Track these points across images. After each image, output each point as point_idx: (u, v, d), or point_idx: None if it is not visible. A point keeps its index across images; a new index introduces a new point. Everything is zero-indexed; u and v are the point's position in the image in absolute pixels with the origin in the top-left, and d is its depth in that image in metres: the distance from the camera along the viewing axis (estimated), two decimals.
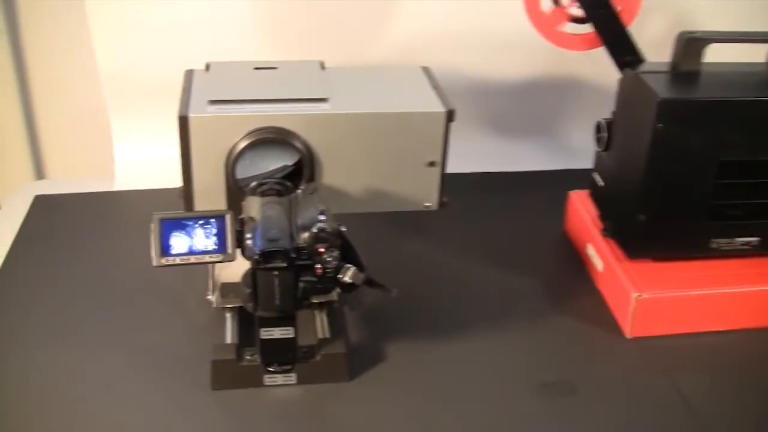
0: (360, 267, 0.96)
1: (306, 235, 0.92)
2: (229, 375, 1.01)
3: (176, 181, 1.08)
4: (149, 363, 1.07)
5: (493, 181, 1.55)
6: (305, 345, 1.03)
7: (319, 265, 0.93)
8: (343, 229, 0.96)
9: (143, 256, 0.97)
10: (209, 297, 1.13)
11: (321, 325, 1.10)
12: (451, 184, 1.10)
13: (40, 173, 1.68)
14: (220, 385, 1.02)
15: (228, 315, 1.11)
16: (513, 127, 1.65)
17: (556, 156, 1.62)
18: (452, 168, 1.09)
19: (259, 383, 1.02)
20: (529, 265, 1.30)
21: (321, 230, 0.92)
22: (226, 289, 1.11)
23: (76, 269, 1.27)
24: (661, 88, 1.10)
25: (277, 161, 1.04)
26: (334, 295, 1.11)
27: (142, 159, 1.54)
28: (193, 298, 1.18)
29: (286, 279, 0.92)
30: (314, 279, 0.93)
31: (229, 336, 1.08)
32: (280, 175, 1.03)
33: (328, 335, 1.08)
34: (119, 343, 1.11)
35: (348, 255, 0.96)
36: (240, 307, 1.07)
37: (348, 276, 0.95)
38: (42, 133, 1.64)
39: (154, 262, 0.94)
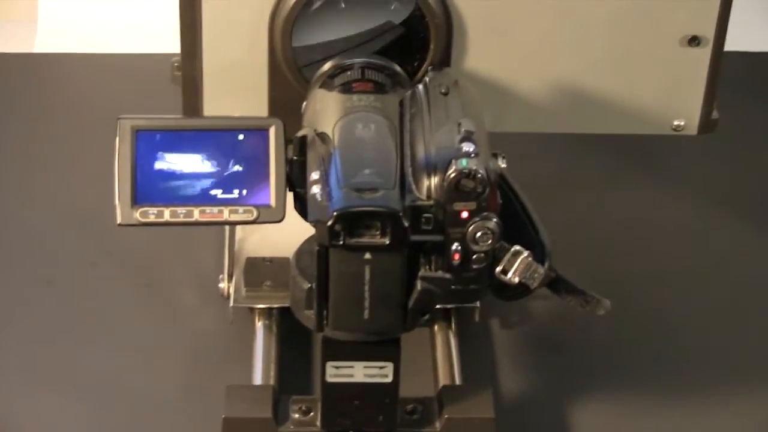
0: (540, 251, 0.96)
1: (434, 180, 0.92)
2: None
3: (168, 46, 1.09)
4: (103, 411, 1.09)
5: None
6: (413, 398, 1.05)
7: (458, 245, 0.92)
8: (503, 165, 0.97)
9: (99, 198, 1.00)
10: (222, 285, 1.16)
11: (446, 357, 1.13)
12: (726, 81, 1.10)
13: None
14: None
15: (259, 324, 1.15)
16: None
17: None
18: (730, 46, 1.10)
19: None
20: None
21: (465, 172, 0.91)
22: (255, 270, 1.14)
23: None
24: None
25: (373, 18, 1.06)
26: None
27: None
28: (192, 287, 1.20)
29: (391, 271, 0.92)
30: (446, 275, 0.92)
31: (260, 369, 1.10)
32: (378, 47, 1.05)
33: (459, 380, 1.10)
34: (46, 371, 1.13)
35: (515, 225, 0.96)
36: (284, 310, 1.10)
37: (515, 270, 0.95)
38: None
39: (120, 218, 0.95)
